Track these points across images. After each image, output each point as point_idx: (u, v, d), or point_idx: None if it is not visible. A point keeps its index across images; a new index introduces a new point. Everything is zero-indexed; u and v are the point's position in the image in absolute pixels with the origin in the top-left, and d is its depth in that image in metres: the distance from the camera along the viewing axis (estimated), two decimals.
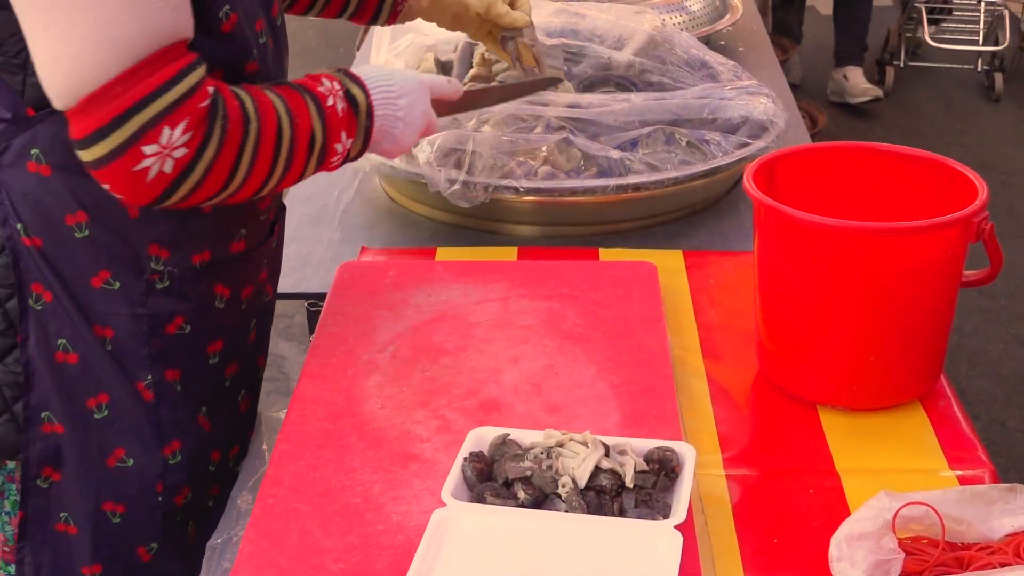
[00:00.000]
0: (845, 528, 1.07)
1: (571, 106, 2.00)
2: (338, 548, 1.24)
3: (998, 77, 5.61)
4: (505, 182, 1.90)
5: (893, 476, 1.37)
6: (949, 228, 1.43)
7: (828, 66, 5.76)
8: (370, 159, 1.97)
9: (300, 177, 1.45)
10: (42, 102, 1.32)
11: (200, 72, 1.31)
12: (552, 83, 1.97)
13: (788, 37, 5.49)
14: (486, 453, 1.33)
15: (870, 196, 1.61)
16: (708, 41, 2.58)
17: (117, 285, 1.46)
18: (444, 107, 1.67)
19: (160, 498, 1.53)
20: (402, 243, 1.98)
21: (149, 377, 1.50)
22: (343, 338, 1.60)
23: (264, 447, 1.48)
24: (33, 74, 1.30)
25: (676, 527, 1.22)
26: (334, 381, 1.52)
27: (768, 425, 1.51)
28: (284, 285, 1.87)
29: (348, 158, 1.49)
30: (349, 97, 1.46)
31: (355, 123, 1.47)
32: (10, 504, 1.54)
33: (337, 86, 1.46)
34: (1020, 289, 4.01)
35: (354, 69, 1.52)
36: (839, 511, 1.30)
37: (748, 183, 1.51)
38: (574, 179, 1.92)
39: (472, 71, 2.16)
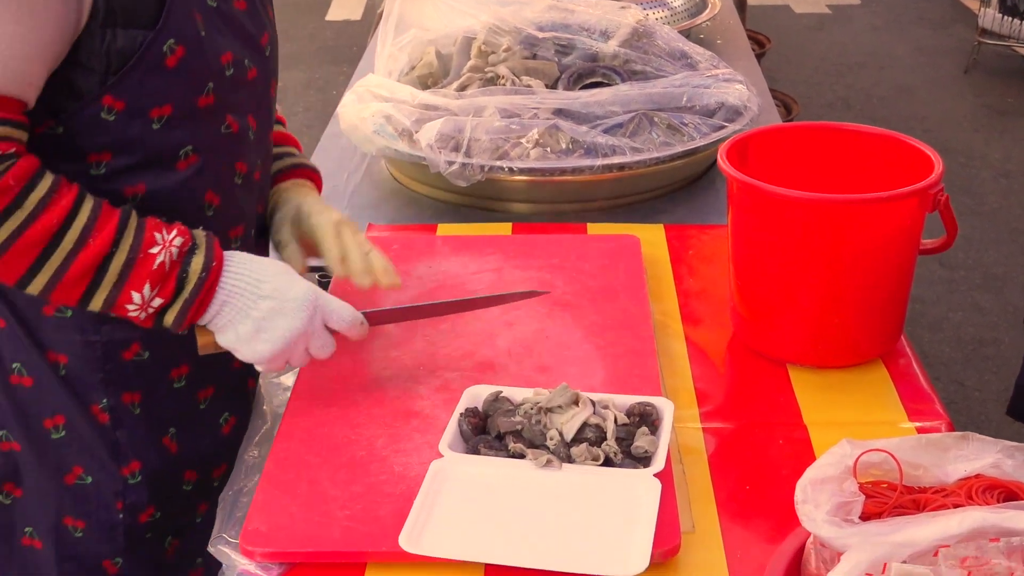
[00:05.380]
0: (810, 473, 1.06)
1: (561, 97, 1.99)
2: (344, 496, 1.23)
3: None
4: (500, 163, 1.89)
5: (856, 428, 1.36)
6: (907, 199, 1.41)
7: (803, 61, 5.73)
8: (375, 142, 1.96)
9: (80, 299, 1.26)
10: None
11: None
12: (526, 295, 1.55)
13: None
14: (480, 409, 1.32)
15: (835, 172, 1.60)
16: (688, 35, 2.56)
17: (69, 313, 1.36)
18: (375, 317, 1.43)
19: (121, 515, 1.43)
20: (406, 220, 1.96)
21: (104, 401, 1.39)
22: (351, 305, 1.59)
23: (265, 407, 1.46)
24: None
25: (655, 475, 1.21)
26: (342, 344, 1.49)
27: (741, 382, 1.50)
28: None
29: (158, 319, 1.29)
30: (185, 261, 1.28)
31: (170, 285, 1.27)
32: None
33: (178, 244, 1.28)
34: (977, 262, 3.99)
35: (250, 259, 1.33)
36: (806, 460, 1.27)
37: (722, 160, 1.49)
38: (563, 160, 1.91)
39: (470, 63, 2.15)
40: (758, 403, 1.44)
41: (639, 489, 1.20)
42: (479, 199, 1.98)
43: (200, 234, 1.31)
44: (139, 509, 1.43)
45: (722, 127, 2.00)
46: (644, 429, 1.27)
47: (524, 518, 1.18)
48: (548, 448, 1.25)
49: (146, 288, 1.27)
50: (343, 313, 1.36)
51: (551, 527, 1.17)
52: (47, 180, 1.23)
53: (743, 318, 1.55)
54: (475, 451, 1.26)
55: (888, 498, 1.07)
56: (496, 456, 1.25)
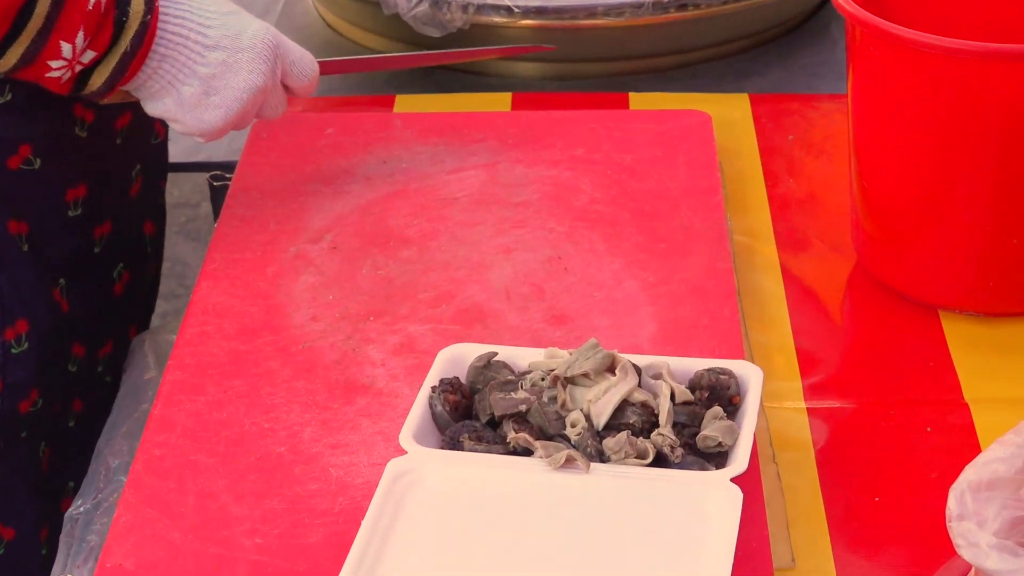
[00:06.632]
0: (970, 473, 1.07)
1: None
2: (254, 517, 1.25)
3: None
4: (492, 0, 1.89)
5: None
6: None
7: None
8: None
9: None
10: None
11: None
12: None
13: None
14: (464, 381, 1.34)
15: (1015, 14, 1.60)
16: None
17: None
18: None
19: (1, 401, 1.57)
20: (346, 90, 1.97)
21: None
22: (261, 224, 1.61)
23: (147, 377, 1.49)
24: None
25: (734, 480, 1.23)
26: (248, 284, 1.53)
27: (868, 339, 1.52)
28: (176, 153, 1.87)
29: (83, 82, 1.46)
30: (120, 2, 1.43)
31: (106, 32, 1.42)
32: None
33: None
34: None
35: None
36: (966, 455, 1.29)
37: None
38: None
39: None
40: (894, 371, 1.46)
41: (710, 502, 1.21)
42: None
43: None
44: (21, 393, 1.58)
45: None
46: (717, 410, 1.29)
47: (531, 547, 1.19)
48: (568, 440, 1.27)
49: (78, 36, 1.40)
50: (305, 66, 1.57)
51: (573, 560, 1.18)
52: None
53: (871, 239, 1.56)
54: (455, 445, 1.28)
55: None
56: (488, 453, 1.27)
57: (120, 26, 1.42)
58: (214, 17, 1.49)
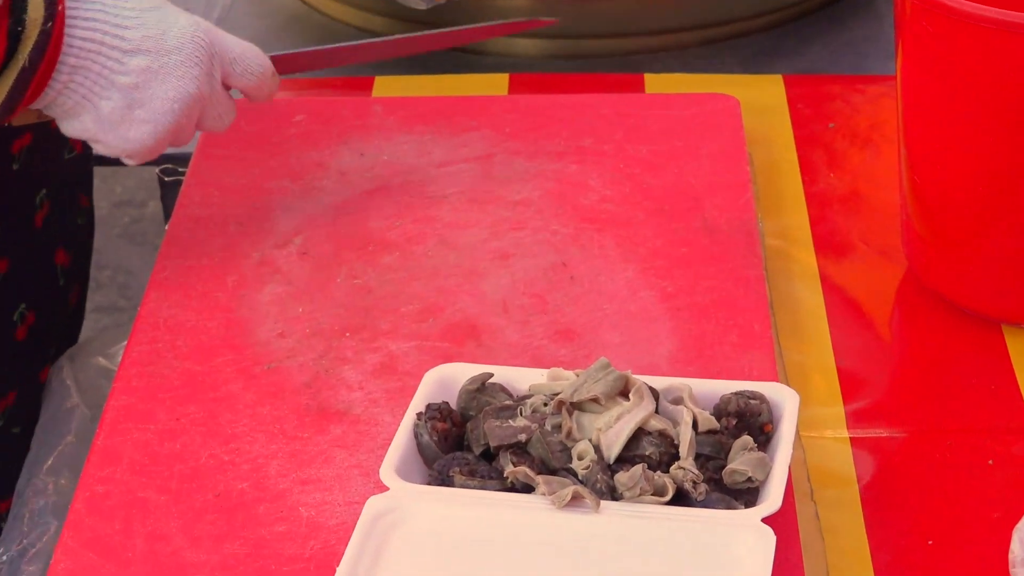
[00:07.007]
0: None
1: None
2: (212, 563, 1.25)
3: None
4: None
5: None
6: None
7: None
8: None
9: None
10: None
11: None
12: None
13: None
14: (454, 406, 1.34)
15: None
16: None
17: None
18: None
19: None
20: (319, 71, 1.97)
21: None
22: (219, 225, 1.61)
23: (69, 405, 1.49)
24: None
25: (765, 520, 1.23)
26: (204, 295, 1.53)
27: (921, 358, 1.53)
28: None
29: None
30: (15, 5, 1.38)
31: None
32: None
33: None
34: None
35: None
36: None
37: None
38: None
39: None
40: (950, 394, 1.47)
41: (738, 546, 1.21)
42: None
43: None
44: None
45: None
46: (747, 440, 1.30)
47: None
48: (575, 474, 1.27)
49: None
50: (249, 62, 1.52)
51: None
52: None
53: (925, 243, 1.57)
54: (444, 480, 1.28)
55: None
56: (482, 489, 1.27)
57: (15, 38, 1.38)
58: (132, 15, 1.44)
